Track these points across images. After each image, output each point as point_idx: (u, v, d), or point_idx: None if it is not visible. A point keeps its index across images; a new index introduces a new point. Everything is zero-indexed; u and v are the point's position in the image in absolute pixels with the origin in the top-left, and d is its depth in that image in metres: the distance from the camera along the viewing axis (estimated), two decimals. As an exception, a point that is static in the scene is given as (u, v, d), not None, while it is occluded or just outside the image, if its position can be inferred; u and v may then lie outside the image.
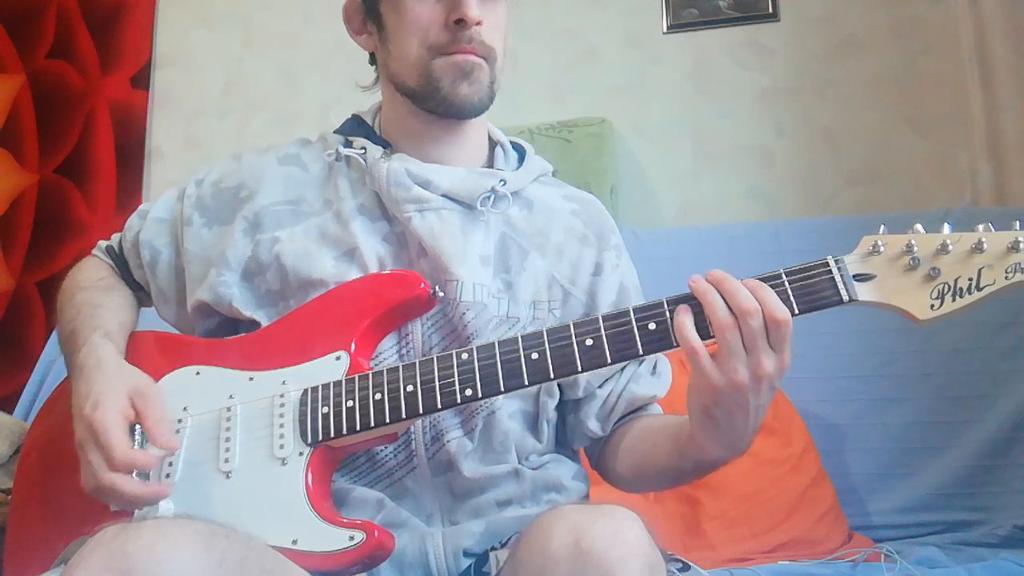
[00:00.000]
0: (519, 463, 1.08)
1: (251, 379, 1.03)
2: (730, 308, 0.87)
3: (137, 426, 0.98)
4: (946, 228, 0.89)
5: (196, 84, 2.81)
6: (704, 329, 0.89)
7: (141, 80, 2.83)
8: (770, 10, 2.41)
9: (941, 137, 2.28)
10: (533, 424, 1.11)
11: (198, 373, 1.06)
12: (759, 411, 0.91)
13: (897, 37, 2.34)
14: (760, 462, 1.77)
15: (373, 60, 1.18)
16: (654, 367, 1.16)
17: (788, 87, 2.39)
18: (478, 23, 1.04)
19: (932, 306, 0.87)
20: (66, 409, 1.07)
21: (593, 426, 1.12)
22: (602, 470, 1.17)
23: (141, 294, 1.22)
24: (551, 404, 1.11)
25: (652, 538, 0.80)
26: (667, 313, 0.91)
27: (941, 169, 2.28)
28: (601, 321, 0.93)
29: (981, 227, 0.88)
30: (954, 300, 0.87)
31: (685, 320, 0.89)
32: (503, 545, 0.99)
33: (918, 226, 0.90)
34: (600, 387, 1.13)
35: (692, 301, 0.90)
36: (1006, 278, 0.86)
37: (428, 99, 1.07)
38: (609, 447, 1.14)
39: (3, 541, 1.16)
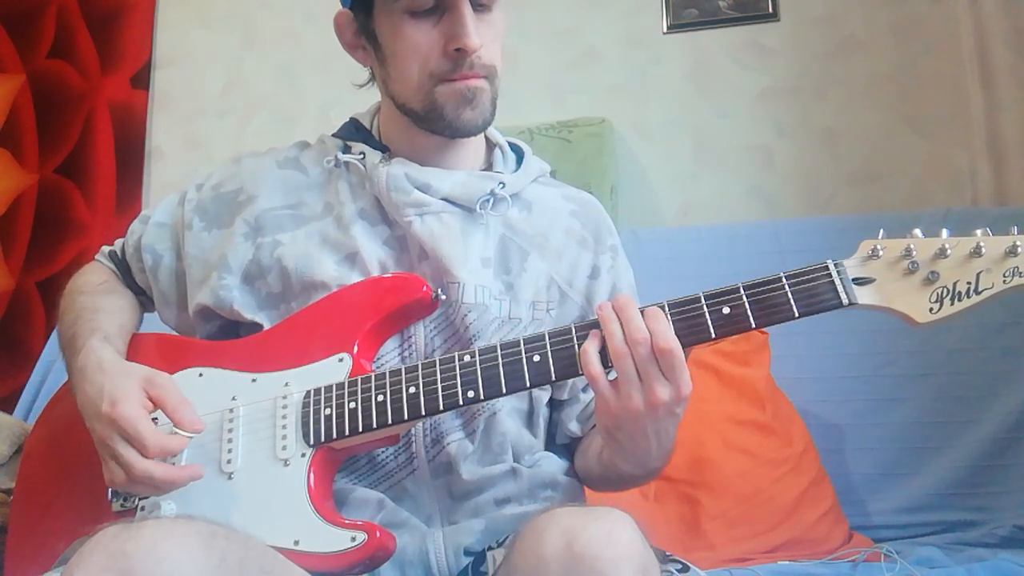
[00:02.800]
0: (516, 462, 1.08)
1: (254, 380, 1.04)
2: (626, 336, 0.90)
3: (156, 415, 0.98)
4: (944, 232, 0.90)
5: (196, 84, 2.81)
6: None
7: (141, 80, 2.83)
8: (770, 10, 2.41)
9: (941, 137, 2.28)
10: (528, 420, 1.12)
11: (201, 375, 1.07)
12: (660, 435, 0.94)
13: (897, 37, 2.34)
14: (760, 462, 1.77)
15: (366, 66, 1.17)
16: None
17: (788, 87, 2.39)
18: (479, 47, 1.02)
19: (931, 309, 0.88)
20: (68, 411, 1.07)
21: (573, 427, 1.14)
22: (576, 468, 1.18)
23: (144, 298, 1.23)
24: (544, 398, 1.12)
25: (645, 539, 0.81)
26: (668, 317, 0.92)
27: (941, 169, 2.28)
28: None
29: (979, 231, 0.89)
30: (953, 304, 0.88)
31: (588, 348, 0.92)
32: (500, 544, 1.00)
33: (917, 231, 0.91)
34: (584, 391, 1.14)
35: (695, 303, 0.92)
36: (1004, 282, 0.87)
37: (432, 123, 1.07)
38: (579, 445, 1.16)
39: (3, 541, 1.16)
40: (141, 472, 0.93)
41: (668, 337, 0.89)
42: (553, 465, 1.12)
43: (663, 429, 0.93)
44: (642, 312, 0.91)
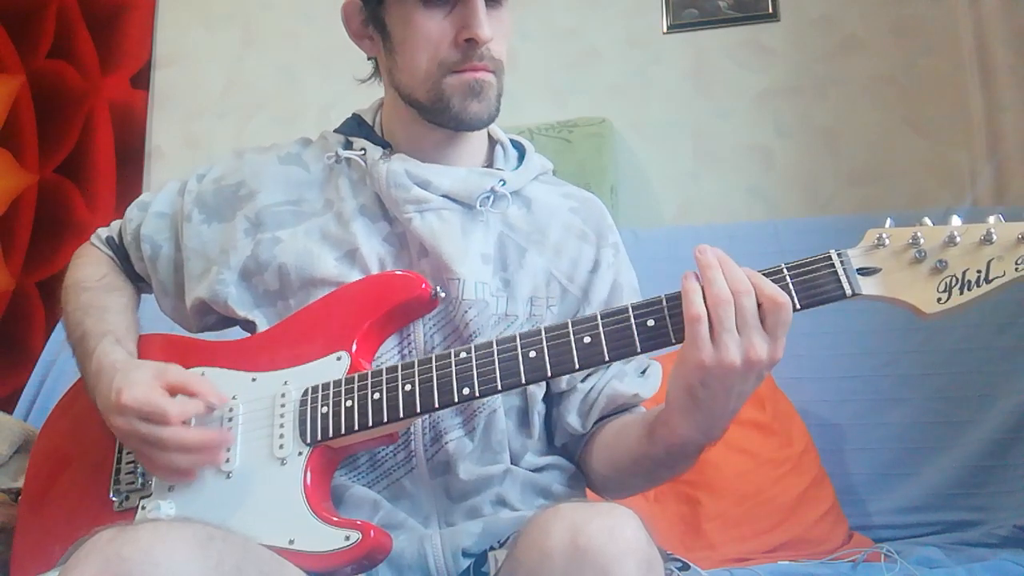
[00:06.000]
0: (512, 463, 1.08)
1: (254, 380, 1.04)
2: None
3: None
4: (955, 220, 0.87)
5: (196, 84, 2.81)
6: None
7: (141, 80, 2.83)
8: (770, 10, 2.41)
9: (941, 137, 2.28)
10: (525, 419, 1.10)
11: (203, 374, 1.06)
12: (741, 398, 0.90)
13: (897, 37, 2.34)
14: (760, 462, 1.76)
15: (371, 57, 1.17)
16: (645, 370, 1.14)
17: (788, 87, 2.39)
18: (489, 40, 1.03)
19: (939, 299, 0.85)
20: (80, 411, 1.07)
21: (573, 421, 1.10)
22: (583, 471, 1.15)
23: (142, 285, 1.23)
24: (539, 394, 1.10)
25: (649, 535, 0.80)
26: (666, 310, 0.91)
27: (941, 169, 2.28)
28: (599, 318, 0.93)
29: (992, 218, 0.85)
30: (962, 293, 0.84)
31: (695, 285, 0.88)
32: (501, 545, 0.99)
33: (926, 219, 0.88)
34: (583, 381, 1.11)
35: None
36: (1016, 269, 0.83)
37: (438, 115, 1.06)
38: (588, 447, 1.13)
39: (3, 541, 1.16)
40: (172, 439, 0.94)
41: (782, 292, 0.85)
42: (555, 474, 1.11)
43: (746, 391, 0.89)
44: None
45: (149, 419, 0.94)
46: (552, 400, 1.14)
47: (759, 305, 0.86)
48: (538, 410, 1.11)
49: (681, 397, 0.91)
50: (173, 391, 0.98)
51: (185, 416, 0.95)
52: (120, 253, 1.23)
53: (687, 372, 0.88)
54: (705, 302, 0.86)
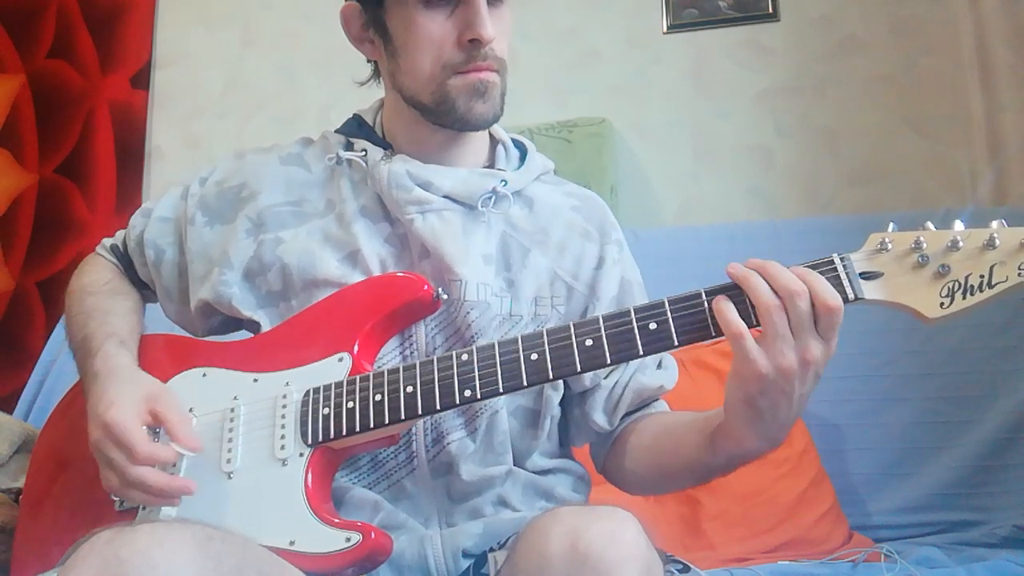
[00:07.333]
0: (515, 465, 1.08)
1: (255, 380, 1.04)
2: (774, 290, 0.85)
3: (159, 429, 0.99)
4: (958, 224, 0.87)
5: (196, 84, 2.81)
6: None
7: (141, 80, 2.83)
8: (770, 10, 2.41)
9: (941, 137, 2.28)
10: (534, 421, 1.10)
11: (204, 375, 1.07)
12: (802, 400, 0.88)
13: (897, 37, 2.34)
14: (760, 462, 1.73)
15: (371, 60, 1.17)
16: (660, 362, 1.14)
17: (788, 87, 2.39)
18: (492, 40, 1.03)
19: (942, 304, 0.85)
20: (78, 413, 1.07)
21: (599, 419, 1.10)
22: (611, 471, 1.15)
23: (147, 292, 1.23)
24: (555, 399, 1.10)
25: (649, 539, 0.80)
26: (668, 313, 0.91)
27: (941, 169, 2.28)
28: (601, 321, 0.92)
29: (995, 223, 0.85)
30: (964, 298, 0.84)
31: (728, 305, 0.87)
32: (501, 546, 0.99)
33: (929, 223, 0.88)
34: (606, 378, 1.11)
35: (696, 299, 0.90)
36: (1019, 274, 0.83)
37: (442, 116, 1.06)
38: (618, 446, 1.12)
39: (3, 542, 1.16)
40: (134, 476, 0.93)
41: (833, 294, 0.84)
42: (560, 477, 1.11)
43: (805, 394, 0.88)
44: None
45: (118, 447, 0.94)
46: (573, 401, 1.13)
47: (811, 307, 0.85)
48: (552, 414, 1.10)
49: (742, 409, 0.90)
50: (155, 419, 0.98)
51: (152, 461, 0.94)
52: (124, 260, 1.23)
53: (743, 385, 0.88)
54: (756, 310, 0.86)
